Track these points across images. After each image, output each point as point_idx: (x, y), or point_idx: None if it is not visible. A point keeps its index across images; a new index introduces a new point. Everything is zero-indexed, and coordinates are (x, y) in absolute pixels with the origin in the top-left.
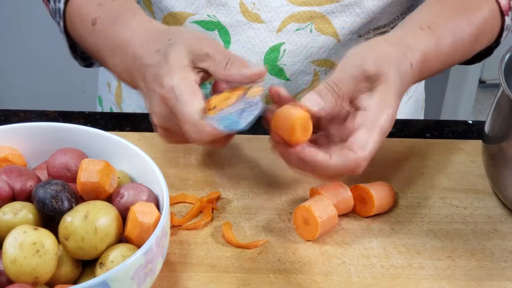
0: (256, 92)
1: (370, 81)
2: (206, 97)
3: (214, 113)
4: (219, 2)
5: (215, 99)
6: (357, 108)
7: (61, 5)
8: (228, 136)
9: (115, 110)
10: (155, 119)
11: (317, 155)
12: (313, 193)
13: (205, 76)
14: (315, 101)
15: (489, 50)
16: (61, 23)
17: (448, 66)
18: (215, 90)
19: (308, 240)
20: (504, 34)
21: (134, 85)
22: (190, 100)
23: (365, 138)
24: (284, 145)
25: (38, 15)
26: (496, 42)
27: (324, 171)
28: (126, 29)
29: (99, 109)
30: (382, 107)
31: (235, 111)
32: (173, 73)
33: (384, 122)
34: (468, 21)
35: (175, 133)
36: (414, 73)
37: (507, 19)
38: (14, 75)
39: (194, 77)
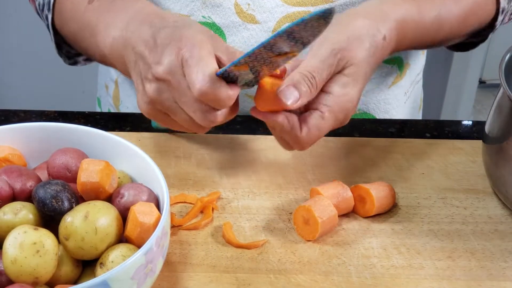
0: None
1: (341, 65)
2: None
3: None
4: (214, 3)
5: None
6: (322, 90)
7: None
8: (233, 109)
9: (113, 111)
10: (158, 69)
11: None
12: (313, 193)
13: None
14: (293, 97)
15: (484, 36)
16: (50, 16)
17: (433, 41)
18: None
19: (308, 240)
20: (500, 18)
21: (124, 53)
22: (207, 59)
23: (318, 123)
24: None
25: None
26: (491, 27)
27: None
28: (130, 8)
29: (98, 111)
30: (345, 93)
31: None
32: (194, 35)
33: (342, 107)
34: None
35: (171, 90)
36: (389, 45)
37: (502, 2)
38: (14, 75)
39: (213, 51)
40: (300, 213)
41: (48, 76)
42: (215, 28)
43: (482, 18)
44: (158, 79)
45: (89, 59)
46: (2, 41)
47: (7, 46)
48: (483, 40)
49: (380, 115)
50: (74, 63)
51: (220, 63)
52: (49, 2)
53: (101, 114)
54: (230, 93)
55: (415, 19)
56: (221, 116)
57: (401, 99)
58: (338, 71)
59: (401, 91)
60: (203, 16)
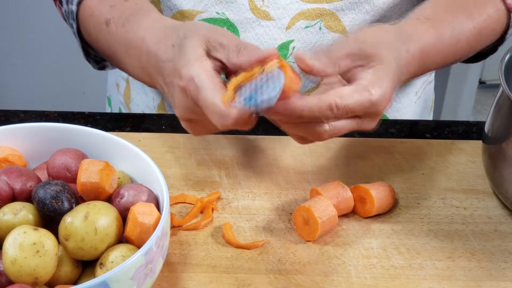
0: (273, 65)
1: (366, 60)
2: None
3: (234, 95)
4: (228, 0)
5: (234, 80)
6: (349, 81)
7: (74, 7)
8: (252, 116)
9: (123, 110)
10: (177, 112)
11: (295, 102)
12: (313, 193)
13: (220, 66)
14: (308, 56)
15: (494, 47)
16: (74, 25)
17: (451, 59)
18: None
19: (308, 241)
20: (510, 31)
21: (152, 84)
22: (212, 87)
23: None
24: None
25: (38, 15)
26: (502, 39)
27: (298, 117)
28: (139, 29)
29: (108, 110)
30: (377, 82)
31: (256, 87)
32: (190, 64)
33: (378, 96)
34: (469, 15)
35: (200, 122)
36: (414, 61)
37: None
38: (14, 75)
39: (211, 64)
40: (300, 213)
41: (48, 76)
42: (228, 25)
43: (496, 32)
44: (183, 119)
45: None
46: (2, 41)
47: (7, 47)
48: (493, 51)
49: (391, 114)
50: (103, 67)
51: (228, 53)
52: (72, 12)
53: (101, 114)
54: (239, 116)
55: (433, 41)
56: (253, 121)
57: (412, 99)
58: (365, 66)
59: (412, 90)
60: (217, 12)
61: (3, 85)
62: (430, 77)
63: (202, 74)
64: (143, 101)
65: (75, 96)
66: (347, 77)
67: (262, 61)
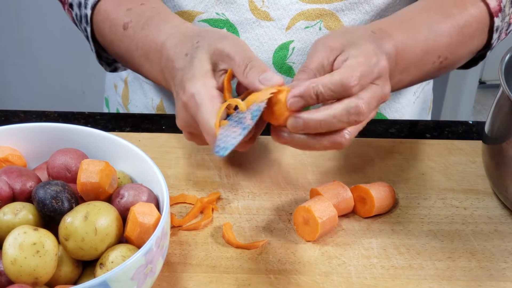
0: (267, 93)
1: (339, 51)
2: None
3: (224, 122)
4: (228, 0)
5: (231, 100)
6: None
7: (88, 11)
8: (248, 141)
9: (121, 111)
10: (178, 123)
11: (308, 115)
12: (313, 193)
13: (228, 77)
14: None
15: (483, 54)
16: (89, 29)
17: (432, 60)
18: (239, 90)
19: (308, 241)
20: (495, 36)
21: (169, 88)
22: (210, 108)
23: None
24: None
25: (39, 15)
26: (488, 45)
27: (318, 128)
28: (159, 33)
29: (105, 111)
30: (365, 56)
31: (237, 127)
32: (195, 80)
33: (372, 62)
34: (448, 14)
35: (199, 136)
36: (390, 58)
37: (496, 20)
38: (14, 75)
39: (214, 84)
40: (300, 213)
41: (48, 76)
42: (228, 25)
43: (481, 37)
44: (184, 131)
45: None
46: (2, 41)
47: (7, 47)
48: (482, 58)
49: (390, 114)
50: (115, 69)
51: (235, 66)
52: (86, 15)
53: (101, 114)
54: (245, 143)
55: (411, 43)
56: (249, 144)
57: (410, 99)
58: (344, 56)
59: (411, 90)
60: (217, 13)
61: (3, 85)
62: None
63: (203, 93)
64: (142, 102)
65: (75, 96)
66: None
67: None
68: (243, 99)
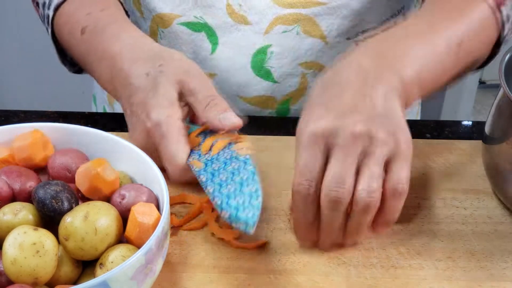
0: (242, 150)
1: (325, 144)
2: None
3: (199, 164)
4: (205, 4)
5: (201, 142)
6: None
7: (50, 13)
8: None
9: (108, 109)
10: (133, 142)
11: None
12: None
13: (189, 111)
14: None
15: (487, 60)
16: (49, 30)
17: (452, 70)
18: (192, 121)
19: None
20: (507, 26)
21: (115, 97)
22: (176, 142)
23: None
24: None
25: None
26: (494, 53)
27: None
28: (115, 42)
29: (93, 108)
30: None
31: (222, 167)
32: (161, 108)
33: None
34: (460, 19)
35: (155, 158)
36: (411, 85)
37: (504, 9)
38: (14, 75)
39: (180, 115)
40: None
41: (48, 76)
42: (207, 29)
43: (488, 42)
44: (138, 147)
45: None
46: (2, 41)
47: (7, 47)
48: (493, 56)
49: None
50: (79, 70)
51: (196, 102)
52: (48, 16)
53: (101, 114)
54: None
55: (428, 55)
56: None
57: None
58: None
59: None
60: (195, 16)
61: (3, 85)
62: None
63: (170, 125)
64: None
65: (75, 96)
66: None
67: (224, 127)
68: (203, 131)
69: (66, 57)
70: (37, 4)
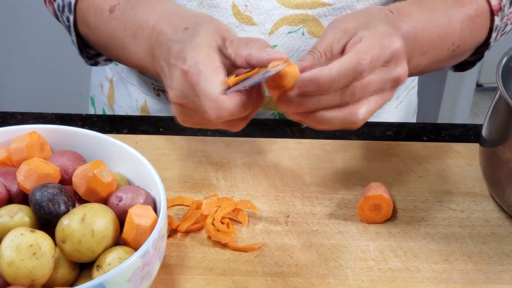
0: (277, 64)
1: (351, 33)
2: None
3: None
4: (211, 4)
5: (236, 78)
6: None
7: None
8: (245, 117)
9: (107, 111)
10: (171, 93)
11: (317, 71)
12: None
13: (229, 66)
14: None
15: (481, 55)
16: (71, 18)
17: (447, 45)
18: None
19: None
20: (493, 35)
21: (153, 66)
22: (213, 76)
23: (364, 46)
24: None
25: (36, 16)
26: (486, 45)
27: (329, 85)
28: (152, 13)
29: (91, 110)
30: (378, 37)
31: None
32: (199, 49)
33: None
34: (460, 3)
35: (191, 111)
36: (408, 39)
37: (496, 19)
38: (11, 77)
39: (219, 58)
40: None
41: (46, 78)
42: None
43: (480, 34)
44: (174, 103)
45: (109, 59)
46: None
47: (5, 48)
48: (479, 58)
49: (370, 118)
50: (95, 63)
51: (230, 61)
52: (69, 4)
53: (99, 116)
54: (240, 109)
55: (428, 26)
56: (244, 123)
57: (392, 104)
58: (356, 38)
59: (394, 95)
60: None
61: (1, 87)
62: (413, 82)
63: (207, 63)
64: (126, 103)
65: (73, 98)
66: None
67: (269, 60)
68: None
69: (83, 50)
70: None
